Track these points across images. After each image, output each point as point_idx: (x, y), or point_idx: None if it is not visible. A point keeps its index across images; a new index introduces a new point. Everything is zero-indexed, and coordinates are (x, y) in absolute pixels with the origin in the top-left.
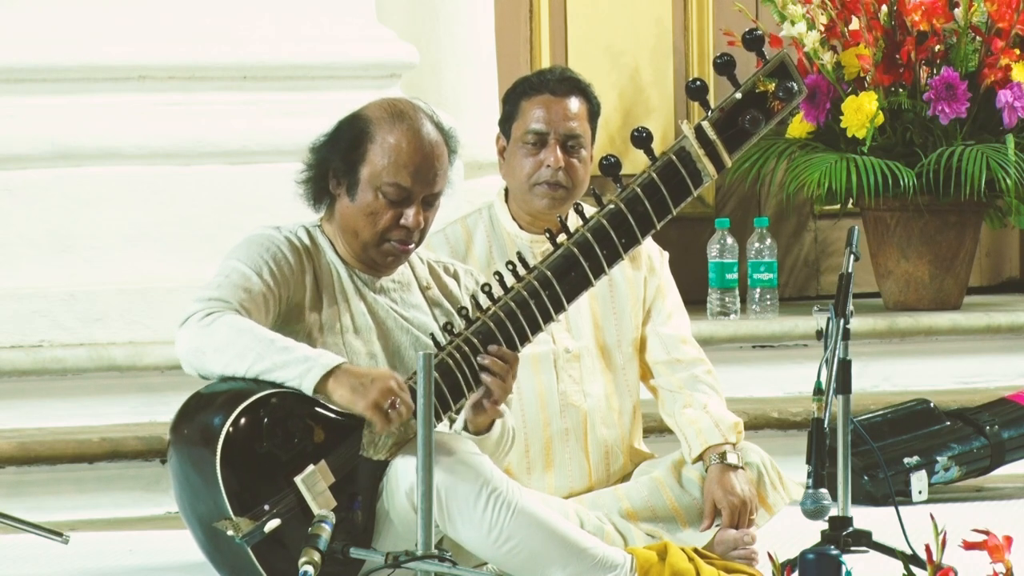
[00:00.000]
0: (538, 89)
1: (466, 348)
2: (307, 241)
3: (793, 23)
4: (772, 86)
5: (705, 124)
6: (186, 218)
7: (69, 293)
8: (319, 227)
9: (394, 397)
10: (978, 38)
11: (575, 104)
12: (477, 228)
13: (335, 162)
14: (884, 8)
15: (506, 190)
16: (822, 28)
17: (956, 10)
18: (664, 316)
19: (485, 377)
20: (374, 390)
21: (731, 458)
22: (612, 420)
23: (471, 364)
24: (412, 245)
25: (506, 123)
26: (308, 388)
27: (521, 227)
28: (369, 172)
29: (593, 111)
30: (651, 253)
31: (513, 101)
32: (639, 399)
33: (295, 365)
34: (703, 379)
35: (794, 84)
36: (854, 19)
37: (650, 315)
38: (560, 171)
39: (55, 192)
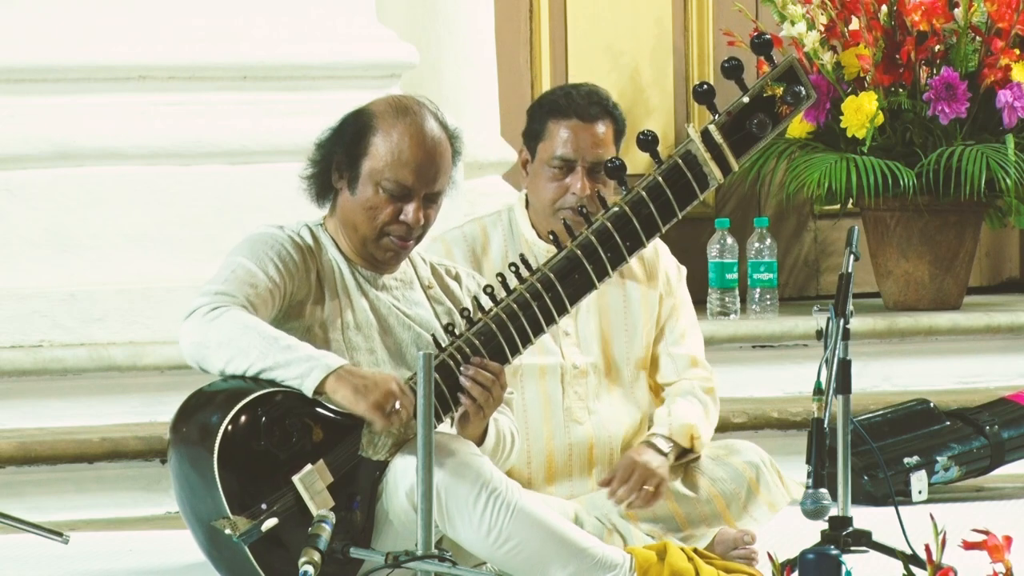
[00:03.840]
0: (565, 112)
1: (467, 349)
2: (309, 239)
3: (793, 23)
4: (780, 90)
5: (712, 128)
6: (186, 218)
7: (69, 293)
8: (322, 225)
9: (396, 400)
10: (978, 38)
11: (602, 128)
12: (496, 230)
13: (338, 155)
14: (884, 8)
15: (527, 197)
16: (822, 28)
17: (956, 10)
18: (677, 335)
19: (471, 387)
20: (377, 392)
21: (661, 444)
22: (616, 438)
23: None
24: (412, 242)
25: (531, 141)
26: (309, 388)
27: (539, 236)
28: (370, 167)
29: (619, 131)
30: (668, 269)
31: (540, 119)
32: (647, 413)
33: (297, 364)
34: (694, 391)
35: (802, 88)
36: (854, 19)
37: (663, 333)
38: (586, 197)
39: (55, 192)
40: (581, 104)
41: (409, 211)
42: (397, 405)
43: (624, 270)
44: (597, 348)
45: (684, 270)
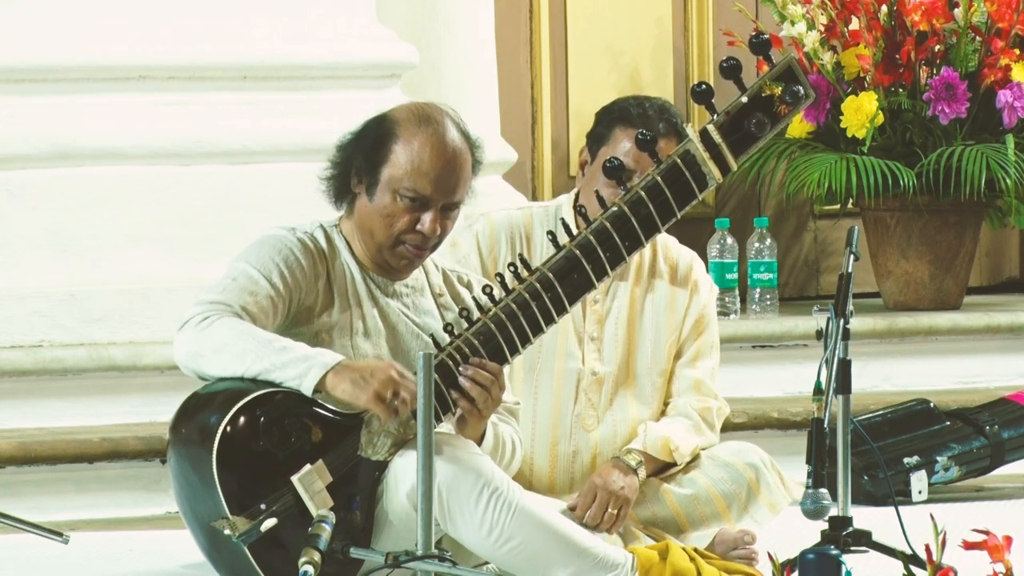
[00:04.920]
0: (634, 123)
1: (467, 349)
2: (323, 242)
3: (793, 23)
4: (778, 90)
5: (710, 127)
6: (186, 218)
7: (69, 293)
8: (337, 226)
9: (396, 387)
10: (978, 38)
11: (666, 145)
12: (541, 225)
13: (358, 160)
14: (884, 8)
15: (576, 197)
16: (822, 28)
17: (956, 10)
18: (690, 356)
19: (469, 387)
20: (375, 381)
21: (630, 459)
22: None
23: None
24: (427, 251)
25: (594, 143)
26: (308, 387)
27: None
28: (389, 174)
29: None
30: (700, 281)
31: (607, 124)
32: None
33: (294, 365)
34: (686, 411)
35: (800, 88)
36: (854, 19)
37: (682, 352)
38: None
39: (55, 192)
40: (651, 117)
41: (426, 221)
42: (400, 394)
43: (655, 277)
44: (620, 357)
45: (716, 289)
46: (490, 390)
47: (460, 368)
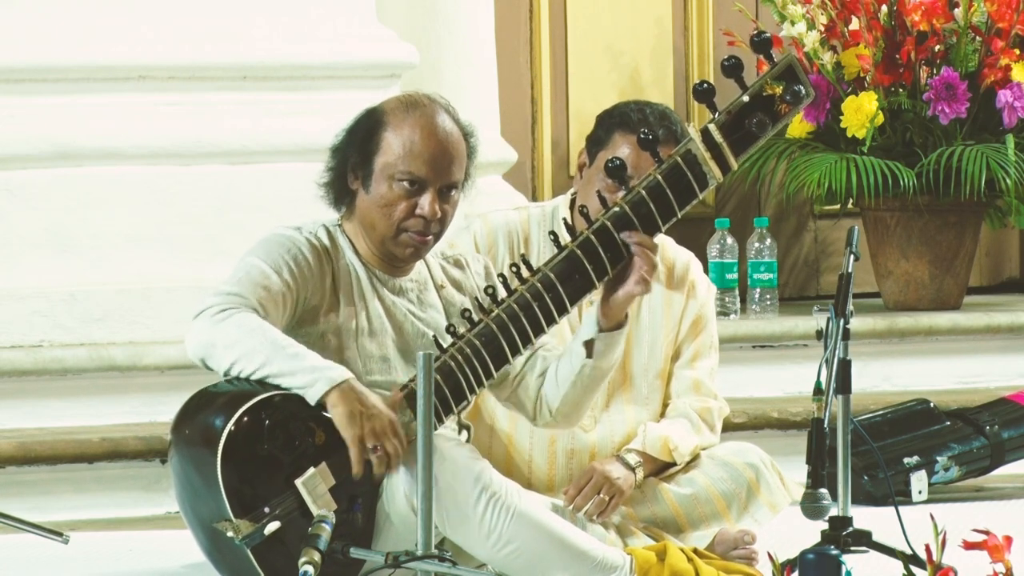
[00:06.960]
0: (633, 128)
1: (468, 351)
2: (327, 241)
3: (793, 23)
4: (779, 89)
5: (711, 127)
6: (186, 218)
7: (69, 293)
8: (339, 226)
9: (381, 440)
10: (978, 38)
11: (663, 152)
12: (539, 226)
13: (352, 156)
14: (884, 8)
15: (573, 199)
16: (822, 28)
17: (956, 10)
18: (689, 357)
19: (639, 251)
20: (367, 426)
21: (630, 458)
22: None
23: (473, 366)
24: (430, 237)
25: (593, 146)
26: (312, 400)
27: None
28: (383, 162)
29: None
30: (697, 281)
31: (607, 127)
32: None
33: (302, 375)
34: (686, 412)
35: (801, 87)
36: (854, 19)
37: (680, 352)
38: None
39: (55, 192)
40: (651, 123)
41: (425, 204)
42: (379, 448)
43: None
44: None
45: (714, 289)
46: (652, 257)
47: (624, 235)
